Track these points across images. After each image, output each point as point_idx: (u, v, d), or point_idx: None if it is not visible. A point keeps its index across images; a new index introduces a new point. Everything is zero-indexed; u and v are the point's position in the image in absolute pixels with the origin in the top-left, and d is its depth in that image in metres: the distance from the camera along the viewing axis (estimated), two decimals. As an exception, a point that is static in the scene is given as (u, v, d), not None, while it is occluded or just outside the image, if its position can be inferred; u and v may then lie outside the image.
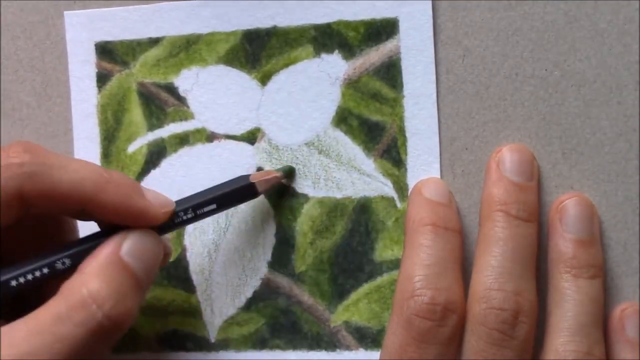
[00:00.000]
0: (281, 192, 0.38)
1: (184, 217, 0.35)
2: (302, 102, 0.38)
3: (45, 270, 0.32)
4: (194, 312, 0.39)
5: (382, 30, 0.37)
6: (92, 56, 0.40)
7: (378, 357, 0.35)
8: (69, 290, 0.31)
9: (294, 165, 0.38)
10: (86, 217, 0.34)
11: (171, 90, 0.39)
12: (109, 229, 0.34)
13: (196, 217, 0.35)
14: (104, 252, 0.32)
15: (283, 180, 0.38)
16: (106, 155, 0.40)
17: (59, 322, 0.30)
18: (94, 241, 0.33)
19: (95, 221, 0.35)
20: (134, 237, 0.33)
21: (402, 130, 0.37)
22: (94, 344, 0.31)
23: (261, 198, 0.38)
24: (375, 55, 0.37)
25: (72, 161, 0.33)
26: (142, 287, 0.33)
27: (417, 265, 0.34)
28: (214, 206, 0.35)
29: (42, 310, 0.31)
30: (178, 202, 0.35)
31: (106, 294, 0.31)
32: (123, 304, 0.31)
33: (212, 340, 0.38)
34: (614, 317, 0.35)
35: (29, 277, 0.32)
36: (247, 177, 0.36)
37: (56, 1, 0.40)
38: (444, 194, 0.36)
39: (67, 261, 0.33)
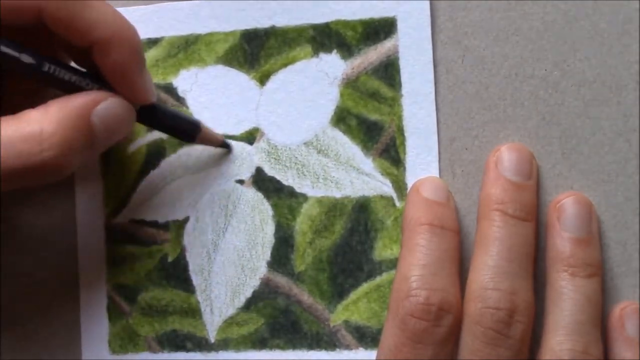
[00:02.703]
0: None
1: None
2: (301, 102, 0.38)
3: (29, 60, 0.32)
4: (193, 312, 0.39)
5: (380, 29, 0.37)
6: (90, 56, 0.39)
7: (377, 357, 0.35)
8: (28, 120, 0.31)
9: (292, 166, 0.38)
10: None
11: (170, 90, 0.39)
12: (94, 75, 0.34)
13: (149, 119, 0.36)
14: (78, 103, 0.32)
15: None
16: (106, 155, 0.40)
17: (7, 145, 0.31)
18: (77, 76, 0.33)
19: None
20: (111, 101, 0.33)
21: (400, 129, 0.37)
22: (25, 176, 0.31)
23: (260, 197, 0.38)
24: (373, 54, 0.37)
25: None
26: (95, 149, 0.33)
27: (412, 265, 0.34)
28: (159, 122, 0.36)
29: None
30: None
31: (57, 142, 0.31)
32: (67, 158, 0.32)
33: (212, 341, 0.38)
34: (614, 316, 0.35)
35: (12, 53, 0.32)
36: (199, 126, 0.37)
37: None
38: (441, 193, 0.36)
39: (52, 68, 0.33)
